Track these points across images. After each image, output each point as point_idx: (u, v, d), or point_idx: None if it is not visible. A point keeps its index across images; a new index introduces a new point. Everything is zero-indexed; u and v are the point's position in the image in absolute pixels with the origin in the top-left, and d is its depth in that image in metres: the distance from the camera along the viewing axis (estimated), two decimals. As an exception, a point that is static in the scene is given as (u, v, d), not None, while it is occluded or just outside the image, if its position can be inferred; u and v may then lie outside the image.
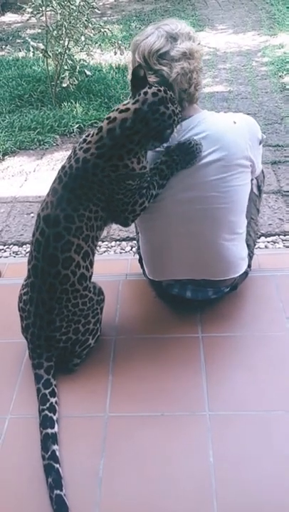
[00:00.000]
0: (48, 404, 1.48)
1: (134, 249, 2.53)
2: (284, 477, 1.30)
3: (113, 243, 2.64)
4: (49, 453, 1.36)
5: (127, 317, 1.84)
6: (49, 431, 1.42)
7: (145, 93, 1.44)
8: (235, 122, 1.59)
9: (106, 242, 2.63)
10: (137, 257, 1.96)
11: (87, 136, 1.52)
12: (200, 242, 1.65)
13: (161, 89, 1.45)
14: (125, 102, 1.47)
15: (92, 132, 1.51)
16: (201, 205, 1.59)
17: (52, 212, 1.51)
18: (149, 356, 1.67)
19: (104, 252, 2.57)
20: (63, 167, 1.53)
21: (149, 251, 1.77)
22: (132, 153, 1.46)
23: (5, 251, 2.65)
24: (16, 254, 2.63)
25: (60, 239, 1.50)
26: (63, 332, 1.56)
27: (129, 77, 1.51)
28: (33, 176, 3.32)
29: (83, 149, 1.49)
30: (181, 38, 1.50)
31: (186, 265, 1.70)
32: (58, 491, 1.28)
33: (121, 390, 1.56)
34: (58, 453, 1.37)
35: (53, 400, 1.50)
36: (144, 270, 1.86)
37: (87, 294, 1.57)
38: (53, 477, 1.31)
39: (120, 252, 2.57)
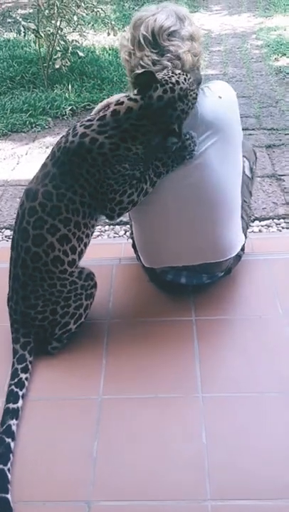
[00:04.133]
0: (16, 380, 1.49)
1: (127, 233, 2.51)
2: (276, 459, 1.32)
3: (107, 227, 2.62)
4: (4, 427, 1.37)
5: (120, 301, 1.84)
6: (10, 406, 1.42)
7: (150, 97, 1.40)
8: (220, 97, 1.55)
9: (100, 226, 2.61)
10: (131, 241, 1.95)
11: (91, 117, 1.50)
12: (198, 227, 1.63)
13: (168, 88, 1.39)
14: (136, 92, 1.44)
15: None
16: (198, 190, 1.57)
17: (34, 187, 1.52)
18: (143, 339, 1.67)
19: (98, 236, 2.56)
20: (58, 143, 1.51)
21: (144, 240, 1.75)
22: (136, 140, 1.44)
23: (-3, 235, 2.63)
24: (9, 238, 2.61)
25: (33, 214, 1.50)
26: (39, 311, 1.56)
27: (122, 55, 1.49)
28: (25, 159, 3.28)
29: (84, 125, 1.47)
30: (188, 21, 1.50)
31: (183, 252, 1.69)
32: (1, 466, 1.28)
33: (114, 372, 1.57)
34: (14, 428, 1.37)
35: (23, 375, 1.50)
36: (137, 255, 1.85)
37: (66, 277, 1.55)
38: (1, 451, 1.31)
39: (114, 237, 2.56)
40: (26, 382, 1.50)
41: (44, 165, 1.53)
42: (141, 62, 1.47)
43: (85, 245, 1.58)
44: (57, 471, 1.32)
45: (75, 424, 1.43)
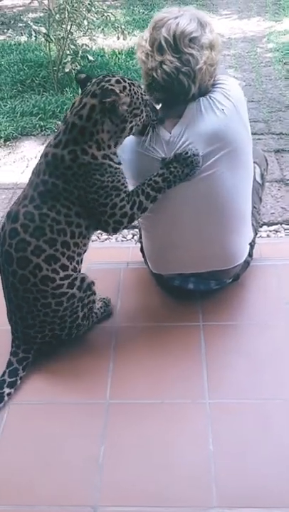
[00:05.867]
0: None
1: (135, 237, 2.52)
2: (282, 465, 1.31)
3: (115, 231, 2.63)
4: None
5: (128, 305, 1.84)
6: None
7: (84, 105, 1.42)
8: (223, 110, 1.49)
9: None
10: (139, 245, 1.95)
11: None
12: (207, 236, 1.62)
13: (96, 102, 1.41)
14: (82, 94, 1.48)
15: None
16: (208, 200, 1.56)
17: (14, 208, 1.49)
18: (150, 344, 1.67)
19: (106, 239, 2.56)
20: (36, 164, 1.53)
21: (152, 247, 1.74)
22: (86, 134, 1.41)
23: (6, 238, 2.64)
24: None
25: (14, 235, 1.45)
26: (38, 330, 1.55)
27: (138, 55, 1.50)
28: (34, 163, 3.28)
29: (47, 144, 1.49)
30: (208, 27, 1.48)
31: (192, 259, 1.68)
32: None
33: (122, 377, 1.57)
34: None
35: (6, 390, 1.50)
36: (145, 259, 1.85)
37: (63, 292, 1.50)
38: None
39: (122, 240, 2.56)
40: (6, 398, 1.50)
41: (25, 188, 1.53)
42: (164, 67, 1.44)
43: (78, 263, 1.55)
44: (63, 475, 1.32)
45: (81, 428, 1.44)
